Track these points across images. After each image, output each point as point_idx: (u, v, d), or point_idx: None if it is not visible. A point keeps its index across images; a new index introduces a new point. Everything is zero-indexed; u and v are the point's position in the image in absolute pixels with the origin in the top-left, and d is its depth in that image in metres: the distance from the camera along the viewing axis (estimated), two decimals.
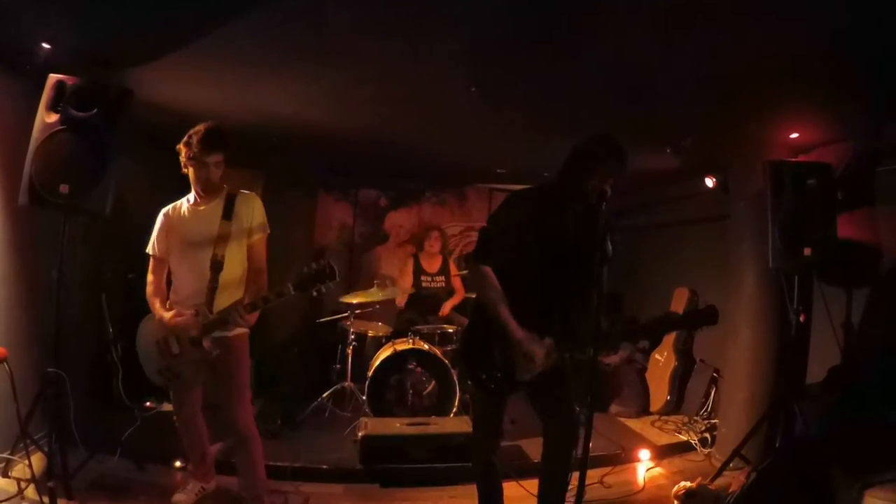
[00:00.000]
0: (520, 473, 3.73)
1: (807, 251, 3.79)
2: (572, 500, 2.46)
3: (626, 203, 7.02)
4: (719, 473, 4.03)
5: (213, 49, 3.28)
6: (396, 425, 4.34)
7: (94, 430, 3.93)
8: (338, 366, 5.63)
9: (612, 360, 6.09)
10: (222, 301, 3.12)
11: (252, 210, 3.26)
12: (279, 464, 3.88)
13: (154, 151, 4.92)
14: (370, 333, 5.63)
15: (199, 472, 3.57)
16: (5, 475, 3.44)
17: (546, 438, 2.95)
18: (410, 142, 5.41)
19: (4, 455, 3.47)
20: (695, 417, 5.34)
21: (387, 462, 4.08)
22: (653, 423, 5.43)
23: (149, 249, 3.32)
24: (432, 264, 6.18)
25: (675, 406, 5.73)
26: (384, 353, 5.05)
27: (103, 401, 4.65)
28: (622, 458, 4.53)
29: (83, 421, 3.65)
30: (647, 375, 6.04)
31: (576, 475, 2.46)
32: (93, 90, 3.19)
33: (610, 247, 2.58)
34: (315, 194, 7.50)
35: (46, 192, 3.11)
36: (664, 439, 5.00)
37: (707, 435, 4.86)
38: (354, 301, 5.39)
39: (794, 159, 4.34)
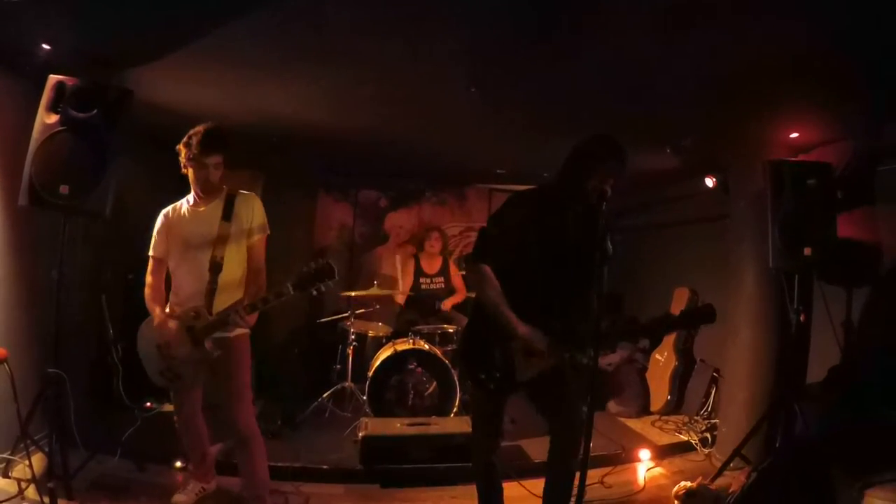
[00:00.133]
0: (520, 473, 3.74)
1: (807, 251, 3.79)
2: (573, 499, 2.46)
3: (626, 203, 7.02)
4: (720, 473, 4.02)
5: (212, 49, 3.28)
6: (397, 425, 4.34)
7: (95, 430, 3.92)
8: (338, 366, 5.64)
9: (613, 359, 6.09)
10: (222, 302, 3.11)
11: (252, 210, 3.26)
12: (279, 464, 3.87)
13: (154, 152, 4.91)
14: (370, 333, 5.63)
15: (200, 472, 3.57)
16: (6, 475, 3.44)
17: (551, 440, 2.94)
18: (410, 142, 5.41)
19: (5, 455, 3.48)
20: (695, 417, 5.34)
21: (387, 462, 4.08)
22: (653, 423, 5.43)
23: (150, 250, 3.31)
24: (432, 265, 6.18)
25: (675, 406, 5.73)
26: (384, 354, 5.05)
27: (103, 401, 4.65)
28: (622, 457, 4.53)
29: (83, 421, 3.64)
30: (648, 375, 6.04)
31: (576, 475, 2.47)
32: (93, 91, 3.18)
33: (610, 247, 2.58)
34: (315, 195, 7.50)
35: (46, 192, 3.10)
36: (664, 439, 5.00)
37: (707, 435, 4.86)
38: (353, 293, 5.39)
39: (794, 159, 4.34)
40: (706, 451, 4.70)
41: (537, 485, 3.05)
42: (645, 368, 6.13)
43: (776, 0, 2.50)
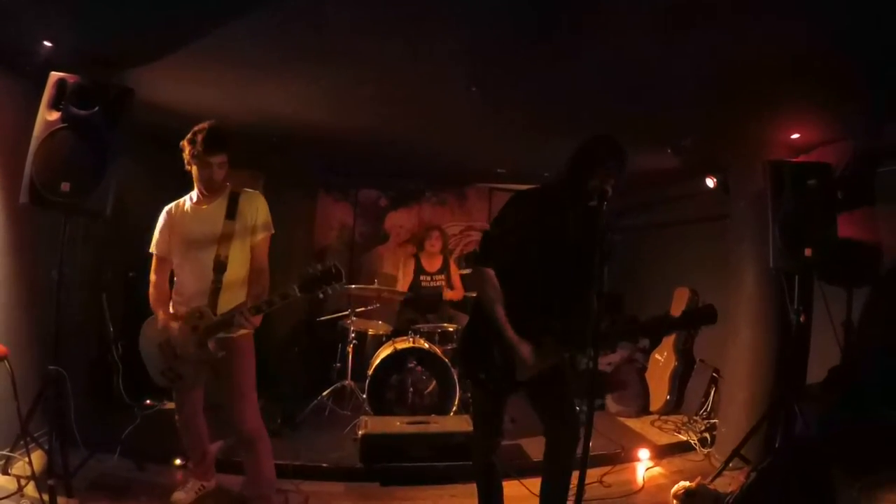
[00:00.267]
0: (520, 472, 3.74)
1: (807, 251, 3.79)
2: (572, 499, 2.47)
3: (627, 203, 7.02)
4: (719, 473, 4.03)
5: (213, 49, 3.29)
6: (397, 424, 4.35)
7: (95, 428, 3.93)
8: (338, 364, 5.63)
9: (612, 359, 6.09)
10: (225, 302, 3.10)
11: (256, 209, 3.24)
12: (279, 462, 3.84)
13: (154, 151, 4.91)
14: (370, 332, 5.64)
15: (200, 470, 3.57)
16: (5, 473, 3.44)
17: (547, 438, 2.95)
18: (410, 142, 5.42)
19: (5, 453, 3.48)
20: (694, 417, 5.34)
21: (387, 461, 4.08)
22: (652, 423, 5.43)
23: (151, 248, 3.30)
24: (433, 264, 6.18)
25: (674, 406, 5.73)
26: (384, 352, 5.06)
27: (104, 399, 4.66)
28: (622, 457, 4.53)
29: (83, 419, 3.65)
30: (647, 375, 6.04)
31: (575, 474, 2.47)
32: (94, 88, 3.18)
33: (610, 247, 2.59)
34: (315, 194, 7.50)
35: (47, 190, 3.10)
36: (664, 439, 5.00)
37: (707, 435, 4.86)
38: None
39: (794, 159, 4.34)
40: (705, 451, 4.70)
41: (537, 484, 3.04)
42: (644, 368, 6.13)
43: (776, 0, 2.50)
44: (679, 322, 3.63)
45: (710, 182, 5.23)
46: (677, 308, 6.02)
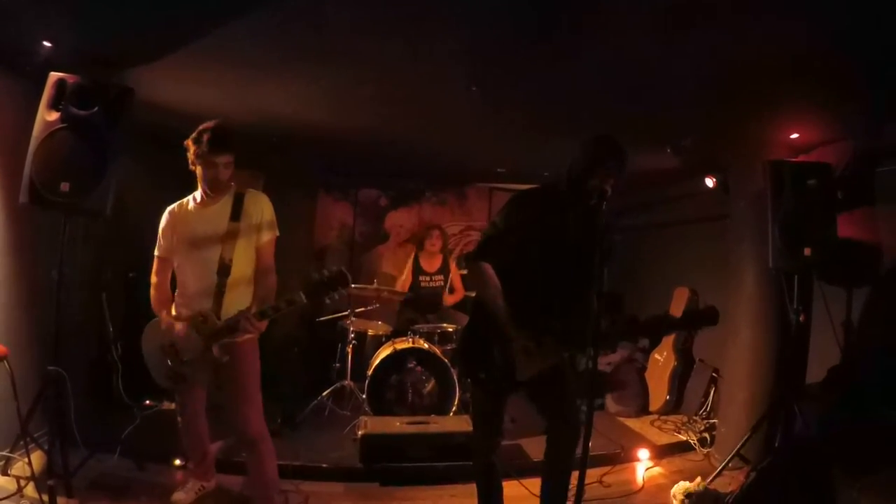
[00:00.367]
0: (520, 472, 3.74)
1: (807, 251, 3.79)
2: (571, 499, 2.47)
3: (627, 203, 7.02)
4: (719, 473, 4.02)
5: (213, 49, 3.28)
6: (396, 424, 4.35)
7: (94, 428, 3.93)
8: (337, 364, 5.64)
9: (612, 359, 6.09)
10: (230, 305, 3.06)
11: (261, 210, 3.19)
12: (279, 462, 3.85)
13: (154, 151, 4.92)
14: (370, 332, 5.64)
15: (200, 470, 3.56)
16: (5, 473, 3.44)
17: (548, 438, 2.95)
18: (410, 141, 5.42)
19: (4, 453, 3.47)
20: (694, 417, 5.35)
21: (387, 461, 4.09)
22: (652, 423, 5.43)
23: (155, 250, 3.26)
24: (432, 263, 6.18)
25: (674, 406, 5.73)
26: (384, 352, 5.06)
27: (103, 399, 4.66)
28: (621, 457, 4.53)
29: (83, 419, 3.64)
30: (647, 375, 6.04)
31: (575, 474, 2.47)
32: (94, 88, 3.18)
33: (610, 246, 2.59)
34: (315, 194, 7.50)
35: (47, 190, 3.09)
36: (663, 439, 5.00)
37: (706, 435, 4.87)
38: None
39: (794, 159, 4.34)
40: (705, 450, 4.70)
41: (537, 484, 3.05)
42: (644, 368, 6.13)
43: (776, 0, 2.50)
44: (680, 323, 3.64)
45: (710, 182, 5.23)
46: (677, 308, 6.02)
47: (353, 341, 5.42)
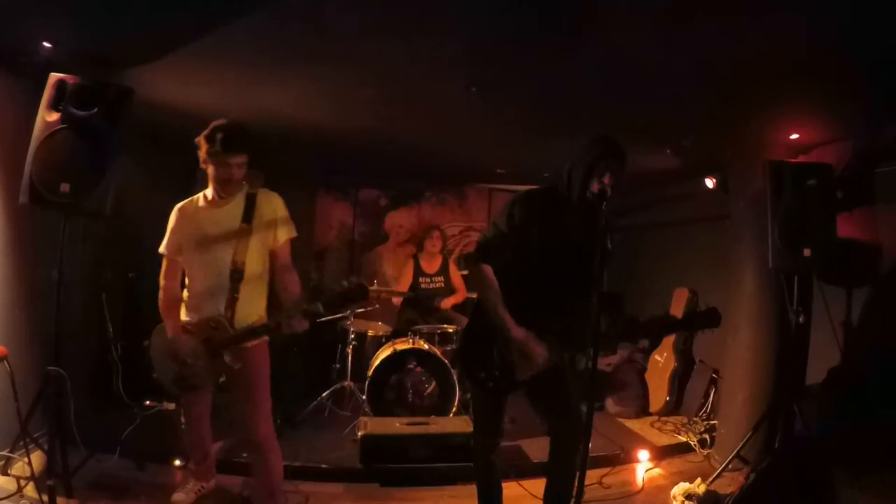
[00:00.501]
0: (519, 473, 3.74)
1: (806, 251, 3.79)
2: (572, 500, 2.47)
3: (627, 202, 7.02)
4: (719, 474, 4.02)
5: (213, 49, 3.27)
6: (396, 425, 4.34)
7: (94, 428, 3.90)
8: (338, 365, 5.63)
9: (612, 360, 6.09)
10: (243, 310, 3.00)
11: (274, 211, 3.11)
12: None
13: (154, 151, 4.92)
14: (370, 333, 5.63)
15: (200, 470, 3.55)
16: (5, 473, 3.43)
17: (551, 440, 2.95)
18: (410, 142, 5.41)
19: (4, 453, 3.47)
20: (694, 418, 5.34)
21: (386, 461, 4.08)
22: (652, 424, 5.43)
23: (161, 249, 3.17)
24: (432, 264, 6.18)
25: (674, 407, 5.73)
26: (384, 353, 5.05)
27: (103, 399, 4.66)
28: (621, 458, 4.52)
29: (83, 419, 3.61)
30: (647, 376, 6.03)
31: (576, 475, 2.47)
32: (94, 89, 3.17)
33: (610, 247, 2.59)
34: (315, 194, 7.50)
35: (47, 190, 3.09)
36: (663, 440, 5.00)
37: (706, 436, 4.86)
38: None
39: (794, 160, 4.34)
40: (705, 452, 4.70)
41: (536, 485, 3.05)
42: (644, 369, 6.13)
43: None
44: (681, 324, 3.63)
45: (710, 183, 5.23)
46: (677, 308, 6.02)
47: (353, 342, 5.41)
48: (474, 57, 3.28)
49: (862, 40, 2.75)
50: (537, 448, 4.31)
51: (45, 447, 3.26)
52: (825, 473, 3.13)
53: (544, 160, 5.21)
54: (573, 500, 2.41)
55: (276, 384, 5.25)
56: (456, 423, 4.46)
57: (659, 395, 5.79)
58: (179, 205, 3.18)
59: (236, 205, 3.08)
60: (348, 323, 5.42)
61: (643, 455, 4.55)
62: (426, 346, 5.09)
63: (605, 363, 6.05)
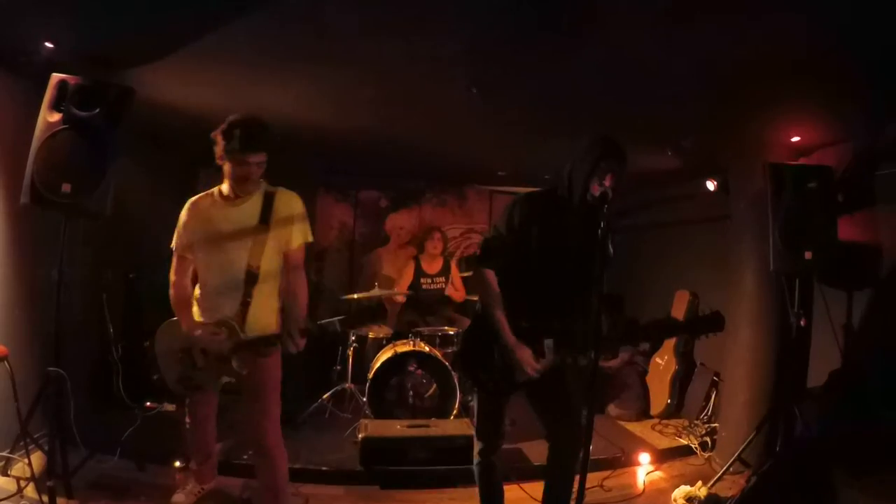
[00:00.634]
0: (520, 476, 3.73)
1: (807, 254, 3.79)
2: (572, 502, 2.46)
3: (627, 203, 7.00)
4: (720, 477, 4.01)
5: (213, 49, 3.27)
6: (397, 427, 4.34)
7: (95, 429, 3.90)
8: (338, 367, 5.63)
9: (613, 363, 6.08)
10: (255, 314, 2.92)
11: (292, 212, 3.00)
12: None
13: (155, 151, 4.93)
14: (371, 335, 5.62)
15: (202, 471, 3.53)
16: (5, 474, 3.43)
17: (549, 442, 2.94)
18: (411, 142, 5.41)
19: (4, 454, 3.47)
20: (695, 421, 5.33)
21: (387, 464, 4.08)
22: (653, 427, 5.42)
23: (172, 244, 3.06)
24: (433, 266, 6.18)
25: (675, 409, 5.72)
26: (385, 355, 5.05)
27: (104, 400, 4.66)
28: (622, 461, 4.51)
29: (83, 420, 3.61)
30: (648, 378, 6.02)
31: (576, 478, 2.47)
32: (95, 89, 3.18)
33: (611, 249, 2.59)
34: (315, 195, 7.49)
35: (48, 191, 3.09)
36: (664, 443, 4.99)
37: (707, 439, 4.85)
38: (356, 296, 5.39)
39: (794, 162, 4.34)
40: (706, 454, 4.69)
41: (537, 488, 3.04)
42: (645, 371, 6.11)
43: None
44: (685, 328, 3.62)
45: (711, 185, 5.23)
46: (678, 311, 6.01)
47: (354, 344, 5.41)
48: (474, 57, 3.28)
49: (862, 40, 2.75)
50: (538, 451, 4.30)
51: (46, 448, 3.27)
52: (825, 474, 3.12)
53: (545, 161, 5.20)
54: (574, 503, 2.40)
55: None
56: (456, 426, 4.45)
57: (660, 397, 5.78)
58: (192, 199, 3.07)
59: (253, 204, 2.96)
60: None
61: (644, 458, 4.53)
62: (427, 349, 5.09)
63: (606, 366, 6.03)
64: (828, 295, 4.20)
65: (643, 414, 5.76)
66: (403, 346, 5.05)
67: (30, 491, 3.18)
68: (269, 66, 3.55)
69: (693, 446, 4.84)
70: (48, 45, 3.27)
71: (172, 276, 3.07)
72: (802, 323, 3.94)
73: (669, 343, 5.94)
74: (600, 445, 4.68)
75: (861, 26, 2.61)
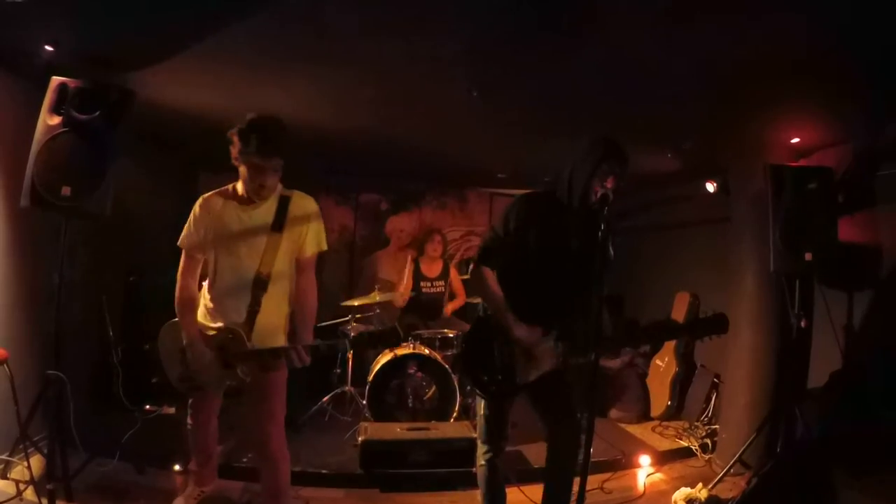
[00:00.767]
0: (520, 478, 3.72)
1: (808, 255, 3.79)
2: None
3: (627, 204, 7.00)
4: (720, 479, 4.00)
5: (213, 50, 3.27)
6: (396, 430, 4.33)
7: (94, 432, 3.90)
8: (338, 370, 5.61)
9: (613, 364, 6.07)
10: (263, 322, 2.88)
11: (308, 219, 2.96)
12: None
13: (155, 152, 4.92)
14: (366, 331, 5.59)
15: (202, 473, 3.50)
16: (4, 477, 3.43)
17: (549, 445, 2.94)
18: (411, 142, 5.40)
19: (4, 457, 3.47)
20: (695, 423, 5.33)
21: (387, 467, 4.07)
22: (653, 429, 5.41)
23: (180, 242, 2.97)
24: (433, 269, 6.17)
25: (675, 411, 5.72)
26: (384, 358, 5.04)
27: (103, 403, 4.66)
28: (623, 463, 4.51)
29: (83, 423, 3.61)
30: (648, 380, 6.02)
31: (576, 480, 2.46)
32: (95, 92, 3.18)
33: (611, 250, 2.59)
34: (316, 197, 7.45)
35: (48, 193, 3.10)
36: (665, 445, 4.98)
37: (708, 440, 4.84)
38: (356, 303, 5.38)
39: (794, 163, 4.34)
40: (706, 456, 4.68)
41: (537, 490, 3.03)
42: (645, 373, 6.11)
43: None
44: (687, 331, 3.61)
45: (711, 187, 5.23)
46: (678, 313, 6.01)
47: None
48: (474, 57, 3.28)
49: (862, 40, 2.75)
50: (538, 453, 4.28)
51: (45, 451, 3.26)
52: (825, 474, 3.12)
53: (545, 162, 5.20)
54: None
55: None
56: (456, 429, 4.44)
57: (660, 399, 5.78)
58: (205, 195, 2.96)
59: (268, 208, 2.91)
60: (349, 328, 5.41)
61: (644, 460, 4.52)
62: (427, 351, 5.08)
63: (606, 367, 6.02)
64: (828, 296, 4.20)
65: (643, 416, 5.76)
66: (403, 349, 5.04)
67: (29, 494, 3.18)
68: (269, 66, 3.55)
69: (693, 448, 4.83)
70: (49, 48, 3.26)
71: (179, 276, 2.98)
72: (803, 324, 3.94)
73: (670, 345, 5.95)
74: (601, 448, 4.68)
75: (861, 26, 2.61)
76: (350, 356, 5.35)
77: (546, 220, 2.78)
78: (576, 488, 2.42)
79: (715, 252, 5.35)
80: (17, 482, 3.32)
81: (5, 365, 3.33)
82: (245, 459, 3.97)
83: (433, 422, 4.68)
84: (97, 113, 3.15)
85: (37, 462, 3.32)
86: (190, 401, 3.32)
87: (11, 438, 3.39)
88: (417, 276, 6.12)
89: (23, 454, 3.26)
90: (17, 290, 3.77)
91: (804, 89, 3.41)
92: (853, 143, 4.15)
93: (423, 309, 6.02)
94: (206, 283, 3.02)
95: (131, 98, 3.27)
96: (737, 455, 4.02)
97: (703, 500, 3.68)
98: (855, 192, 4.12)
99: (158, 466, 3.91)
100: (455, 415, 4.87)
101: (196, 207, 2.93)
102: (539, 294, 2.78)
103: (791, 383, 4.14)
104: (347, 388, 5.30)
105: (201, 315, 2.99)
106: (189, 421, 3.35)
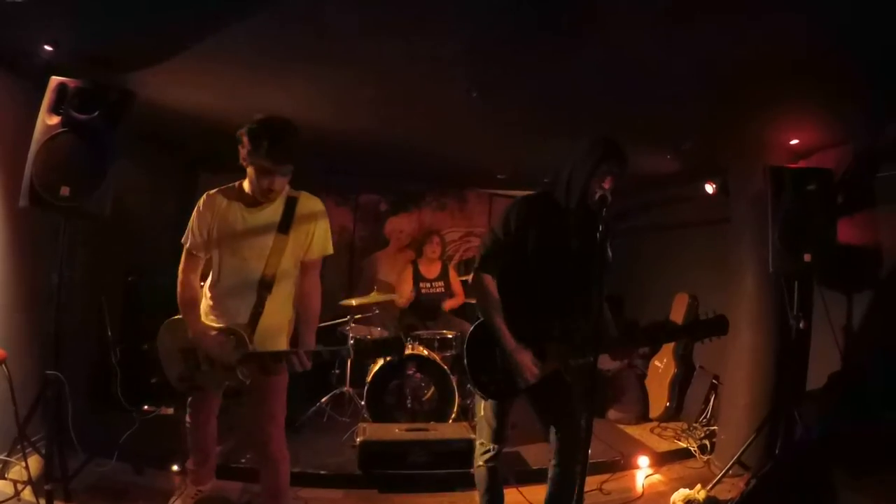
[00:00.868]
0: (519, 479, 3.72)
1: (807, 256, 3.80)
2: None
3: (627, 205, 7.01)
4: (719, 480, 4.00)
5: (213, 50, 3.27)
6: (395, 431, 4.33)
7: (93, 432, 3.88)
8: (337, 370, 5.61)
9: (612, 365, 6.07)
10: (266, 324, 2.85)
11: (315, 221, 2.94)
12: None
13: (154, 153, 4.92)
14: (369, 338, 5.60)
15: (200, 473, 3.49)
16: (2, 477, 3.41)
17: (551, 445, 2.93)
18: (410, 142, 5.40)
19: (2, 457, 3.45)
20: (694, 424, 5.32)
21: (385, 467, 4.06)
22: (652, 430, 5.41)
23: (183, 240, 2.92)
24: (432, 270, 6.18)
25: (674, 412, 5.71)
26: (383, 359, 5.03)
27: (102, 403, 4.65)
28: (621, 464, 4.51)
29: (81, 423, 3.60)
30: (647, 382, 6.02)
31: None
32: (94, 92, 3.18)
33: (610, 252, 2.58)
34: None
35: (47, 193, 3.09)
36: (663, 446, 4.98)
37: (706, 442, 4.84)
38: (354, 303, 5.37)
39: (793, 165, 4.34)
40: (705, 457, 4.68)
41: (535, 491, 3.03)
42: (644, 374, 6.11)
43: None
44: (687, 332, 3.60)
45: (710, 188, 5.24)
46: (677, 314, 6.01)
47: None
48: (474, 57, 3.28)
49: (862, 40, 2.75)
50: (537, 454, 4.29)
51: (43, 451, 3.25)
52: (825, 474, 3.12)
53: (544, 162, 5.19)
54: None
55: None
56: (455, 429, 4.44)
57: (659, 400, 5.77)
58: (209, 192, 2.90)
59: (274, 210, 2.87)
60: (348, 328, 5.40)
61: (643, 461, 4.52)
62: (425, 352, 5.07)
63: (605, 368, 6.02)
64: (827, 297, 4.20)
65: (642, 417, 5.76)
66: None
67: (27, 494, 3.17)
68: (269, 66, 3.54)
69: (692, 449, 4.83)
70: (48, 48, 3.26)
71: (180, 274, 2.93)
72: (802, 326, 3.94)
73: (668, 346, 5.94)
74: (599, 449, 4.67)
75: (861, 26, 2.61)
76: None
77: (545, 221, 2.77)
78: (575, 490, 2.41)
79: (714, 253, 5.35)
80: (15, 482, 3.30)
81: (4, 365, 3.32)
82: (244, 460, 3.97)
83: (432, 423, 4.67)
84: (97, 113, 3.14)
85: (35, 462, 3.30)
86: (189, 400, 3.31)
87: (10, 438, 3.38)
88: (416, 278, 6.12)
89: (21, 454, 3.25)
90: (16, 290, 3.76)
91: (804, 89, 3.41)
92: (853, 143, 4.15)
93: (422, 310, 6.02)
94: (206, 282, 3.01)
95: (131, 98, 3.26)
96: (735, 456, 4.02)
97: (701, 501, 3.67)
98: (854, 193, 4.12)
99: (157, 467, 3.90)
100: (454, 416, 4.87)
101: (199, 204, 2.87)
102: (538, 295, 2.77)
103: (790, 384, 4.14)
104: (346, 388, 5.29)
105: (203, 315, 2.96)
106: (188, 420, 3.34)
